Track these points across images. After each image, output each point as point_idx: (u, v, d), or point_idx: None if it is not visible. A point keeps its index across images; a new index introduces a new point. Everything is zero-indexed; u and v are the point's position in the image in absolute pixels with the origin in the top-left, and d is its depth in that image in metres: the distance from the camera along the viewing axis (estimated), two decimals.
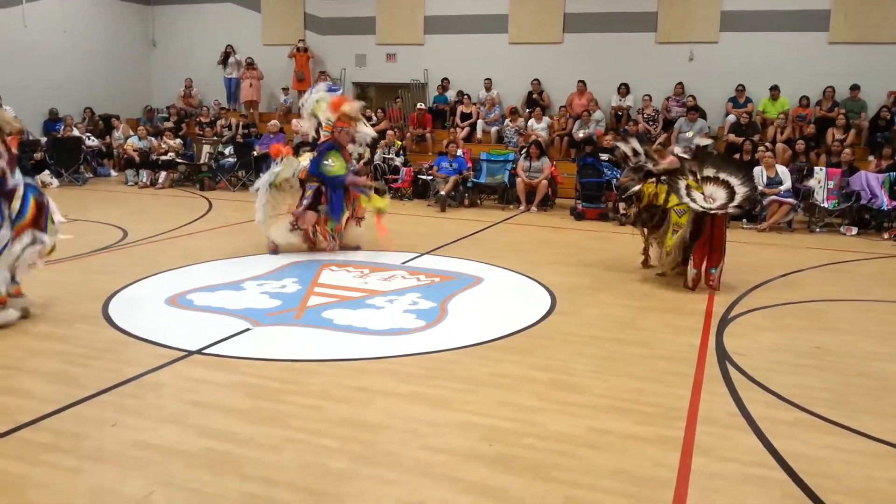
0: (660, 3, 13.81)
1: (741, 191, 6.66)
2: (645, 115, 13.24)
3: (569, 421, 3.71)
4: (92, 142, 14.59)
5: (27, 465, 3.17)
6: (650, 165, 7.02)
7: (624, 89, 13.76)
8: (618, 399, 4.00)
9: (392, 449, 3.39)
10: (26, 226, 5.10)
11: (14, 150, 5.21)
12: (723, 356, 4.75)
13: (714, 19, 13.54)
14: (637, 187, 6.93)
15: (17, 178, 5.14)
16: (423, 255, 7.76)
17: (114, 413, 3.71)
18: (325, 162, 7.45)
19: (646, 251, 7.25)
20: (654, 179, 6.91)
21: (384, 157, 12.86)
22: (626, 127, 12.91)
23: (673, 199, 6.70)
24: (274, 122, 13.65)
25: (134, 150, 13.62)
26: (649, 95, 13.36)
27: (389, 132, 13.29)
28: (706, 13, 13.55)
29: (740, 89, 13.12)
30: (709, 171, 6.77)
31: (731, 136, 12.42)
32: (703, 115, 12.92)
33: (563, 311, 5.74)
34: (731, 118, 12.85)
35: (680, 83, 13.49)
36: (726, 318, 5.66)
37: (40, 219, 5.23)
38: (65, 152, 13.58)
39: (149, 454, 3.29)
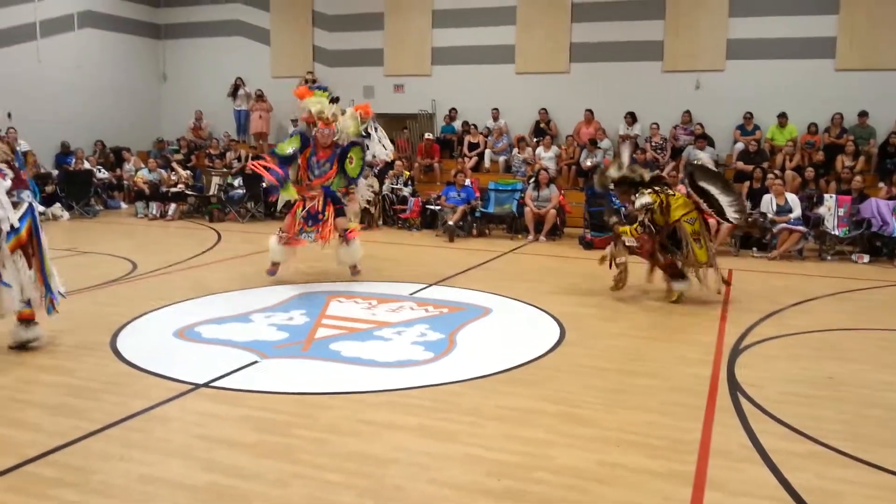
0: (666, 31, 13.93)
1: (724, 199, 6.94)
2: (653, 144, 13.27)
3: (577, 455, 3.66)
4: (102, 174, 14.75)
5: (34, 499, 3.15)
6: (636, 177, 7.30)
7: (630, 118, 13.82)
8: (627, 432, 3.95)
9: (399, 483, 3.36)
10: (22, 242, 5.07)
11: (22, 175, 5.24)
12: (734, 387, 4.70)
13: (720, 47, 13.63)
14: (647, 199, 6.98)
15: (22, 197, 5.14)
16: (431, 285, 7.75)
17: (120, 447, 3.69)
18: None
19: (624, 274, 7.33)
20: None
21: (392, 188, 12.93)
22: (634, 155, 12.91)
23: (677, 212, 6.90)
24: None
25: (144, 183, 13.76)
26: (657, 124, 13.41)
27: (398, 162, 13.36)
28: (712, 41, 13.65)
29: (748, 117, 13.16)
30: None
31: (740, 164, 12.43)
32: (712, 143, 12.95)
33: (572, 342, 5.70)
34: (740, 146, 12.86)
35: (687, 111, 13.54)
36: (737, 348, 5.61)
37: (30, 245, 5.14)
38: (76, 185, 13.73)
39: (154, 489, 3.27)
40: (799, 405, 4.41)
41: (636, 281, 7.52)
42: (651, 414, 4.23)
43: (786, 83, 13.11)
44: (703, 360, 5.26)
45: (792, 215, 10.16)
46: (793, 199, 10.38)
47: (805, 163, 12.13)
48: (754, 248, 10.46)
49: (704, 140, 12.74)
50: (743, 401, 4.45)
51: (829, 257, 10.15)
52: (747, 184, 11.35)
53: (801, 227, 10.11)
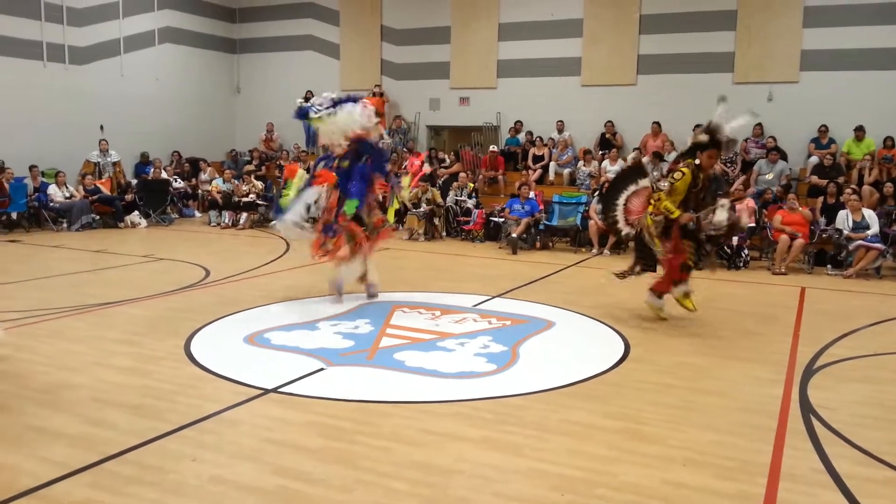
0: (737, 43, 13.65)
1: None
2: (723, 157, 12.96)
3: (642, 472, 3.62)
4: (178, 184, 15.31)
5: (113, 496, 3.29)
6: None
7: (699, 130, 13.53)
8: (694, 451, 3.88)
9: (463, 494, 3.38)
10: None
11: None
12: (807, 409, 4.56)
13: (794, 58, 13.27)
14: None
15: None
16: (494, 297, 7.76)
17: (193, 448, 3.83)
18: None
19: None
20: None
21: (456, 199, 13.01)
22: None
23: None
24: None
25: (218, 192, 14.23)
26: None
27: (462, 174, 13.46)
28: (785, 52, 13.30)
29: (823, 130, 12.75)
30: None
31: (814, 178, 12.06)
32: (784, 157, 12.59)
33: (637, 358, 5.63)
34: (814, 160, 12.48)
35: (759, 124, 13.20)
36: (811, 368, 5.43)
37: None
38: (153, 194, 14.33)
39: (225, 490, 3.38)
40: (875, 429, 4.25)
41: (703, 299, 7.37)
42: (718, 433, 4.14)
43: (863, 95, 12.66)
44: (774, 381, 5.12)
45: (869, 232, 9.80)
46: (870, 215, 10.01)
47: (884, 178, 11.67)
48: (829, 266, 10.12)
49: (777, 153, 12.40)
50: (816, 423, 4.31)
51: None
52: (821, 199, 11.00)
53: (878, 245, 9.73)
